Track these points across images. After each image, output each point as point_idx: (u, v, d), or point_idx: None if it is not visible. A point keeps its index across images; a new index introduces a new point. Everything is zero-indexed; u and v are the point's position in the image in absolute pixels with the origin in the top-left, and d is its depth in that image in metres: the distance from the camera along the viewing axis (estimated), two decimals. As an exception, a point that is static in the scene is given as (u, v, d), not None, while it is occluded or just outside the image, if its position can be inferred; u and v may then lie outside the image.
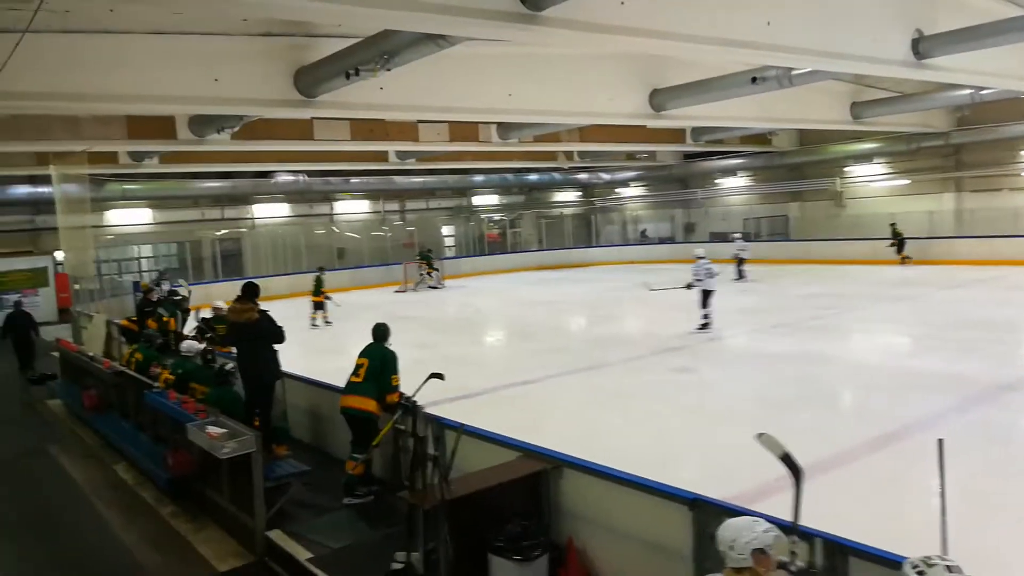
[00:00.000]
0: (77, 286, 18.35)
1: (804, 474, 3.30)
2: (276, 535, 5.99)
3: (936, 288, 18.56)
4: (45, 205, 22.17)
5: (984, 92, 16.49)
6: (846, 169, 28.00)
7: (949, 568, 2.59)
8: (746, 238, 24.58)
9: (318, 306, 18.04)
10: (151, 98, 9.53)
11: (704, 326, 14.00)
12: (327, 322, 18.08)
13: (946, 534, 3.28)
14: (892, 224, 23.95)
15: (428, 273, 26.09)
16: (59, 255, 23.18)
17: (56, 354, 13.35)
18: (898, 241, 23.55)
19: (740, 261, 22.52)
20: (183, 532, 6.59)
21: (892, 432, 7.78)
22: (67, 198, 16.40)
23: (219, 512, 6.66)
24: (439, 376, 5.90)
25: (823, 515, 3.74)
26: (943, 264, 22.57)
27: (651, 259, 31.87)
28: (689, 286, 14.18)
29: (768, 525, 2.95)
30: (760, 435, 3.40)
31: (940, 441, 3.40)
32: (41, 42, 8.32)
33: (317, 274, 18.54)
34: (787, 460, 3.34)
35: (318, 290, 18.14)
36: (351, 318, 19.17)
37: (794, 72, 11.77)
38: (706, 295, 14.03)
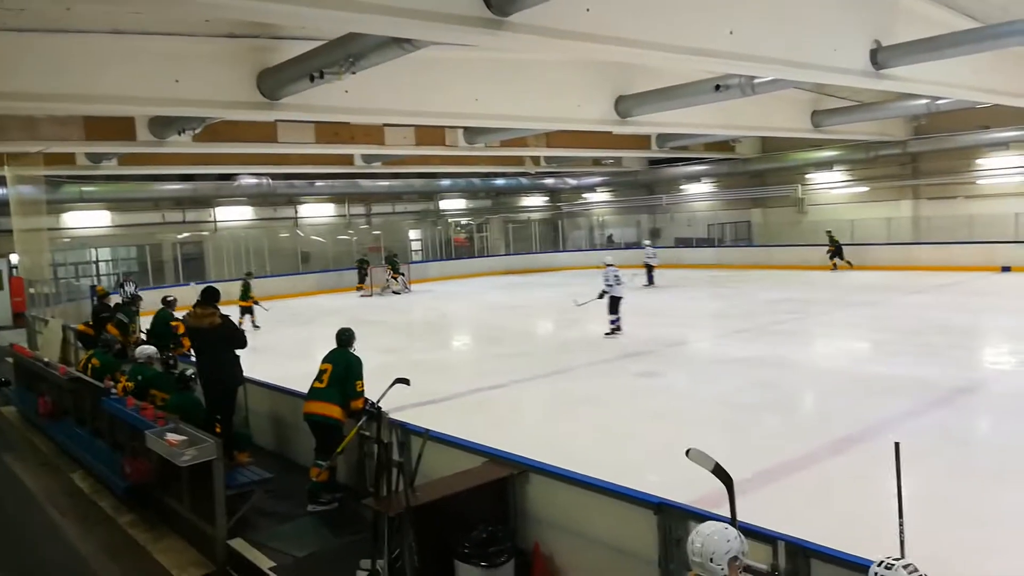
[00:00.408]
0: (32, 290, 17.92)
1: (733, 480, 3.41)
2: (238, 544, 5.89)
3: (895, 294, 18.94)
4: (-1, 207, 21.62)
5: (940, 102, 16.88)
6: (807, 176, 28.50)
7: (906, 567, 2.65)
8: (654, 245, 26.17)
9: (245, 311, 18.12)
10: (109, 99, 9.34)
11: (613, 331, 14.57)
12: (255, 326, 18.10)
13: (903, 536, 3.34)
14: (828, 231, 25.31)
15: (393, 278, 26.00)
16: (14, 258, 22.61)
17: (10, 360, 13.01)
18: (835, 247, 24.74)
19: (650, 268, 23.80)
20: (142, 542, 6.44)
21: (853, 435, 7.92)
22: (22, 200, 16.00)
23: (179, 521, 6.53)
24: (405, 381, 5.87)
25: (785, 518, 3.79)
26: (902, 270, 23.07)
27: (617, 264, 32.07)
28: (602, 295, 14.81)
29: (735, 531, 2.96)
30: (688, 451, 3.47)
31: (896, 444, 3.46)
32: (-5, 40, 8.14)
33: (244, 279, 18.69)
34: (718, 472, 3.41)
35: (245, 295, 18.29)
36: (315, 323, 19.02)
37: (756, 80, 11.92)
38: (614, 301, 14.64)
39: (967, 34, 9.81)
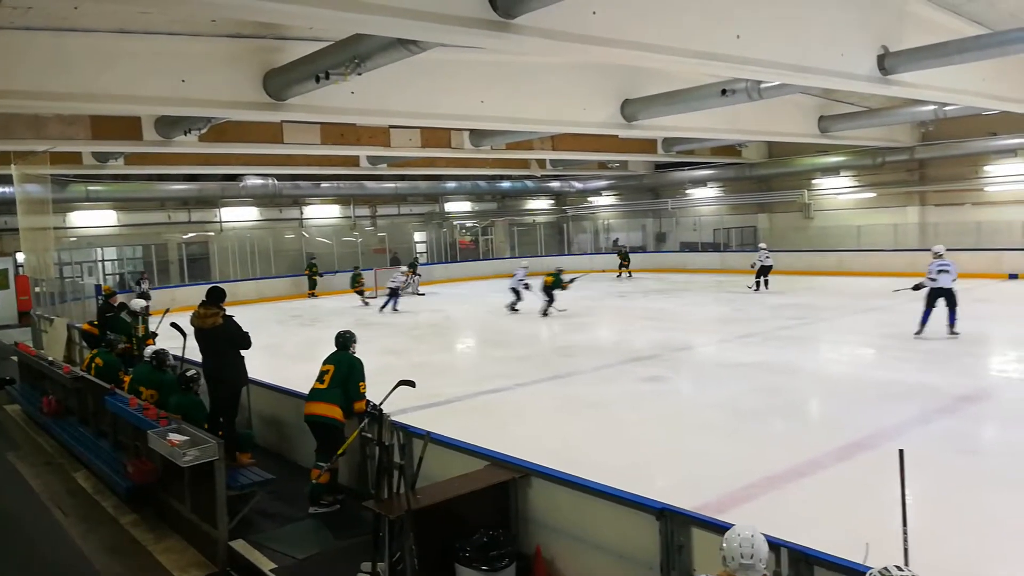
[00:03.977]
0: (38, 289, 17.98)
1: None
2: (239, 545, 5.88)
3: (902, 300, 18.81)
4: (6, 206, 21.67)
5: (948, 108, 16.81)
6: (814, 182, 28.41)
7: None
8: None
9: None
10: (115, 98, 9.36)
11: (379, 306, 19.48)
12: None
13: (907, 544, 3.31)
14: (615, 240, 32.20)
15: (410, 276, 26.15)
16: (20, 257, 22.72)
17: (15, 358, 13.03)
18: (623, 257, 29.52)
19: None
20: (143, 541, 6.43)
21: (858, 441, 7.87)
22: (28, 199, 16.06)
23: (181, 521, 6.52)
24: (409, 383, 5.82)
25: (789, 524, 3.77)
26: (909, 276, 22.89)
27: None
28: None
29: (736, 536, 2.92)
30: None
31: (901, 452, 3.43)
32: (2, 39, 8.16)
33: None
34: None
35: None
36: (321, 324, 19.01)
37: (763, 85, 11.90)
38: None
39: (975, 40, 9.79)
